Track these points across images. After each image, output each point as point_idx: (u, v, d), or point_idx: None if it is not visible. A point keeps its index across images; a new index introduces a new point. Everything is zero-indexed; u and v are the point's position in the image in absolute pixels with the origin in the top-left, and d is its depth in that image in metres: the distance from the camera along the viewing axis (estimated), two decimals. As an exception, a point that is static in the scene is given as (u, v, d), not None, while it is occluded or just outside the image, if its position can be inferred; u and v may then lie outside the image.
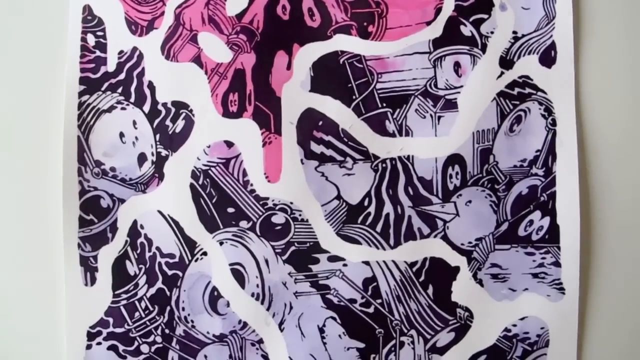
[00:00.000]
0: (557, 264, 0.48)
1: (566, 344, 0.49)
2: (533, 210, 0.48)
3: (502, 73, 0.48)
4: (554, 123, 0.48)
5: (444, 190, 0.48)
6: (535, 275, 0.49)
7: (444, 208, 0.48)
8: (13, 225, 0.48)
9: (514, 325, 0.49)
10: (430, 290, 0.49)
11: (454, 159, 0.48)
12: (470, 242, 0.48)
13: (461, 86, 0.48)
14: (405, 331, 0.49)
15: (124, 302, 0.48)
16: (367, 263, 0.48)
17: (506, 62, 0.48)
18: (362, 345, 0.49)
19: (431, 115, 0.48)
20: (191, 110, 0.48)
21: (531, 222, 0.48)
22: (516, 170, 0.48)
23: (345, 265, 0.48)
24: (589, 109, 0.48)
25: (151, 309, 0.49)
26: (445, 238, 0.48)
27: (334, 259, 0.48)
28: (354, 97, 0.48)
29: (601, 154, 0.49)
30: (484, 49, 0.48)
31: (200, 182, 0.48)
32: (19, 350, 0.49)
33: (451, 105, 0.48)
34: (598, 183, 0.49)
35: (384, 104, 0.48)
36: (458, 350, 0.49)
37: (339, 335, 0.49)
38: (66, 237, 0.48)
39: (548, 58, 0.48)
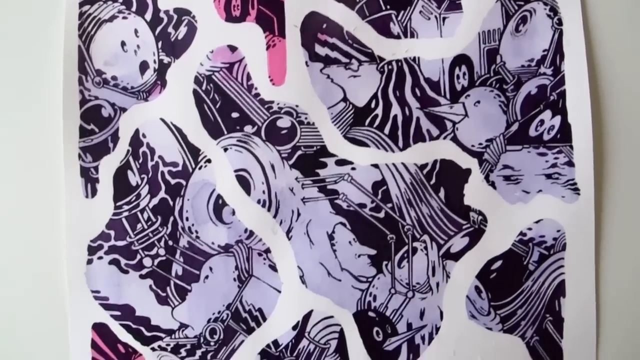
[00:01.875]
0: (570, 163, 0.47)
1: (583, 247, 0.47)
2: (543, 109, 0.48)
3: (505, -26, 0.48)
4: (560, 23, 0.48)
5: (452, 91, 0.47)
6: (548, 176, 0.47)
7: (452, 109, 0.47)
8: (12, 136, 0.47)
9: (529, 229, 0.47)
10: (441, 194, 0.47)
11: (461, 60, 0.47)
12: (480, 144, 0.47)
13: (465, -13, 0.48)
14: (418, 236, 0.47)
15: (126, 213, 0.47)
16: (376, 166, 0.47)
17: (509, -37, 0.48)
18: (373, 252, 0.47)
19: (436, 17, 0.48)
20: (194, 17, 0.47)
21: (542, 121, 0.47)
22: (524, 70, 0.48)
23: (353, 169, 0.47)
24: (595, 5, 0.48)
25: (154, 220, 0.47)
26: (455, 139, 0.47)
27: (341, 162, 0.47)
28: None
29: (609, 51, 0.48)
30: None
31: (203, 88, 0.47)
32: (17, 266, 0.47)
33: (455, 6, 0.48)
34: (608, 80, 0.48)
35: (388, 6, 0.48)
36: (473, 256, 0.47)
37: (349, 242, 0.47)
38: (66, 148, 0.46)
39: (550, -42, 0.48)
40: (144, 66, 0.47)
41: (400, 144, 0.47)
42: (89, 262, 0.47)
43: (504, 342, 0.47)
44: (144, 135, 0.47)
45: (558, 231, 0.47)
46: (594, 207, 0.47)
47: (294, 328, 0.47)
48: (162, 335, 0.47)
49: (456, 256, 0.47)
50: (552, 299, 0.48)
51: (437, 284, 0.47)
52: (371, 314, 0.47)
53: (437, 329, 0.47)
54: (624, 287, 0.48)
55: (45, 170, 0.47)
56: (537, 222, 0.47)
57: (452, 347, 0.47)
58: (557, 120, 0.47)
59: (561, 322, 0.48)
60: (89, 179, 0.47)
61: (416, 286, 0.47)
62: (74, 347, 0.47)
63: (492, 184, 0.47)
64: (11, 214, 0.47)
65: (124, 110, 0.47)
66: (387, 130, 0.47)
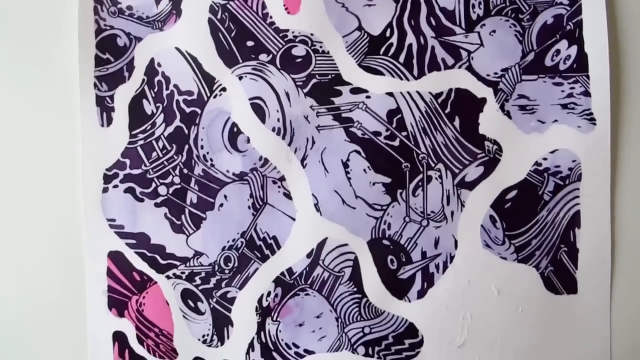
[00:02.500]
0: (586, 93, 0.47)
1: (599, 177, 0.47)
2: (559, 39, 0.47)
3: None
4: (576, -48, 0.47)
5: (467, 20, 0.47)
6: (564, 106, 0.47)
7: (467, 38, 0.47)
8: (28, 66, 0.47)
9: (545, 159, 0.47)
10: (456, 123, 0.47)
11: (476, -11, 0.47)
12: (496, 73, 0.47)
13: None
14: (433, 165, 0.47)
15: (141, 142, 0.47)
16: (390, 94, 0.47)
17: None
18: (388, 180, 0.47)
19: (451, -54, 0.48)
20: (209, -54, 0.47)
21: (558, 51, 0.47)
22: (540, 0, 0.47)
23: (368, 97, 0.47)
24: None
25: (169, 148, 0.47)
26: (470, 69, 0.47)
27: (356, 91, 0.47)
28: None
29: (626, -19, 0.48)
30: None
31: (218, 17, 0.47)
32: (33, 196, 0.47)
33: None
34: (626, 10, 0.47)
35: None
36: (488, 185, 0.47)
37: (364, 170, 0.47)
38: (82, 77, 0.47)
39: None
40: (159, -5, 0.47)
41: (415, 72, 0.47)
42: (105, 190, 0.47)
43: (519, 271, 0.47)
44: (159, 65, 0.47)
45: (573, 161, 0.47)
46: (610, 137, 0.47)
47: (308, 256, 0.47)
48: (177, 263, 0.47)
49: (471, 185, 0.47)
50: (567, 229, 0.47)
51: (452, 213, 0.47)
52: (385, 242, 0.47)
53: (452, 258, 0.47)
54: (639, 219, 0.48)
55: (61, 100, 0.47)
56: (552, 152, 0.47)
57: (466, 276, 0.47)
58: (573, 50, 0.47)
59: (576, 252, 0.48)
60: (105, 108, 0.47)
61: (431, 215, 0.47)
62: (90, 275, 0.47)
63: (508, 114, 0.47)
64: (27, 143, 0.47)
65: (139, 39, 0.47)
66: (401, 59, 0.47)
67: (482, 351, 0.47)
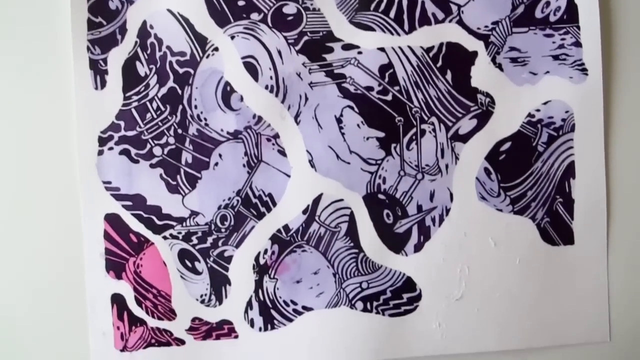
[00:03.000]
0: (577, 44, 0.47)
1: (592, 127, 0.47)
2: (549, -9, 0.48)
3: None
4: None
5: (457, -26, 0.47)
6: (555, 57, 0.47)
7: (457, -8, 0.47)
8: (20, 30, 0.47)
9: (538, 110, 0.47)
10: (448, 76, 0.47)
11: (465, -56, 0.48)
12: (486, 26, 0.47)
13: None
14: (426, 118, 0.47)
15: (135, 104, 0.47)
16: (382, 50, 0.47)
17: None
18: (381, 134, 0.47)
19: None
20: None
21: (548, 3, 0.47)
22: (528, -47, 0.48)
23: (360, 52, 0.47)
24: None
25: (163, 109, 0.47)
26: (460, 22, 0.47)
27: (348, 47, 0.47)
28: None
29: None
30: None
31: (209, -23, 0.47)
32: (28, 160, 0.47)
33: None
34: (613, -40, 0.48)
35: None
36: (481, 138, 0.47)
37: (357, 125, 0.47)
38: (75, 41, 0.47)
39: None
40: (149, -42, 0.48)
41: (406, 27, 0.47)
42: (100, 153, 0.47)
43: (515, 223, 0.47)
44: (151, 27, 0.47)
45: (566, 112, 0.47)
46: (602, 87, 0.47)
47: (304, 212, 0.47)
48: (174, 223, 0.47)
49: (465, 138, 0.47)
50: (562, 180, 0.48)
51: (447, 166, 0.47)
52: (381, 196, 0.47)
53: (448, 211, 0.47)
54: (634, 167, 0.48)
55: (55, 64, 0.47)
56: (545, 103, 0.47)
57: (462, 229, 0.47)
58: (563, 1, 0.47)
59: (571, 203, 0.48)
60: (98, 71, 0.47)
61: (425, 168, 0.47)
62: (87, 239, 0.47)
63: (499, 66, 0.47)
64: (21, 109, 0.47)
65: (131, 2, 0.47)
66: (392, 14, 0.47)
67: (480, 303, 0.47)
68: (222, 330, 0.48)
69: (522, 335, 0.48)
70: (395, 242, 0.47)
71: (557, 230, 0.48)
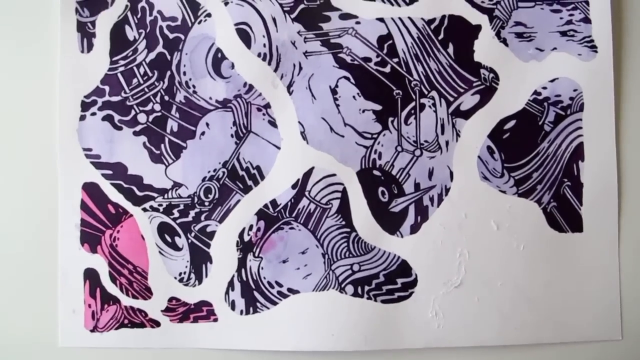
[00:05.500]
0: (586, 20, 0.45)
1: (602, 107, 0.45)
2: (556, -34, 0.46)
3: None
4: None
5: (461, -54, 0.46)
6: (563, 34, 0.45)
7: (461, -35, 0.46)
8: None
9: (544, 88, 0.45)
10: (450, 49, 0.45)
11: None
12: (491, 0, 0.45)
13: None
14: (426, 92, 0.45)
15: (122, 68, 0.45)
16: (381, 20, 0.45)
17: None
18: (378, 107, 0.44)
19: None
20: None
21: (555, -22, 0.46)
22: None
23: (358, 22, 0.45)
24: None
25: (150, 74, 0.45)
26: (464, -5, 0.45)
27: (346, 16, 0.45)
28: None
29: None
30: None
31: (205, -57, 0.46)
32: (7, 120, 0.45)
33: None
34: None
35: None
36: (484, 115, 0.45)
37: (353, 97, 0.45)
38: (63, 2, 0.45)
39: None
40: None
41: (407, -2, 0.45)
42: (82, 118, 0.45)
43: (519, 206, 0.44)
44: (143, -9, 0.46)
45: (575, 90, 0.45)
46: (612, 65, 0.45)
47: (293, 187, 0.44)
48: (155, 195, 0.45)
49: (467, 114, 0.45)
50: (570, 162, 0.45)
51: (447, 143, 0.44)
52: (376, 172, 0.44)
53: (447, 190, 0.44)
54: (647, 151, 0.45)
55: (41, 25, 0.46)
56: (552, 80, 0.45)
57: (463, 210, 0.44)
58: (571, -23, 0.46)
59: (580, 187, 0.45)
60: (86, 34, 0.45)
61: (424, 144, 0.44)
62: (63, 208, 0.45)
63: (504, 41, 0.45)
64: (2, 65, 0.45)
65: (123, -35, 0.46)
66: (393, -16, 0.45)
67: (480, 292, 0.44)
68: (201, 312, 0.44)
69: (526, 329, 0.44)
70: (390, 222, 0.44)
71: (565, 216, 0.44)
